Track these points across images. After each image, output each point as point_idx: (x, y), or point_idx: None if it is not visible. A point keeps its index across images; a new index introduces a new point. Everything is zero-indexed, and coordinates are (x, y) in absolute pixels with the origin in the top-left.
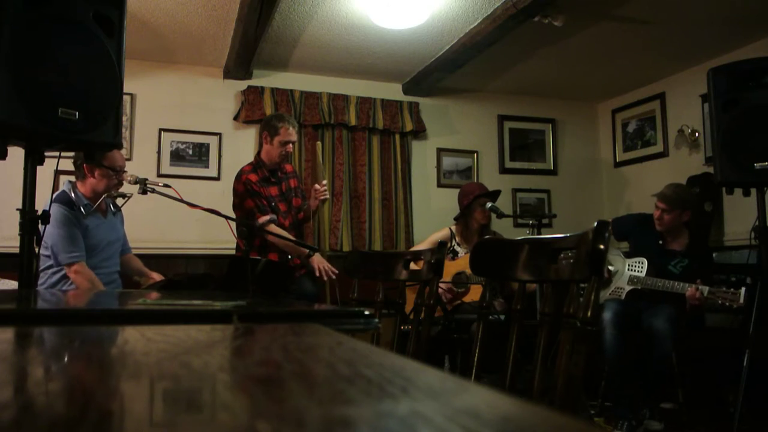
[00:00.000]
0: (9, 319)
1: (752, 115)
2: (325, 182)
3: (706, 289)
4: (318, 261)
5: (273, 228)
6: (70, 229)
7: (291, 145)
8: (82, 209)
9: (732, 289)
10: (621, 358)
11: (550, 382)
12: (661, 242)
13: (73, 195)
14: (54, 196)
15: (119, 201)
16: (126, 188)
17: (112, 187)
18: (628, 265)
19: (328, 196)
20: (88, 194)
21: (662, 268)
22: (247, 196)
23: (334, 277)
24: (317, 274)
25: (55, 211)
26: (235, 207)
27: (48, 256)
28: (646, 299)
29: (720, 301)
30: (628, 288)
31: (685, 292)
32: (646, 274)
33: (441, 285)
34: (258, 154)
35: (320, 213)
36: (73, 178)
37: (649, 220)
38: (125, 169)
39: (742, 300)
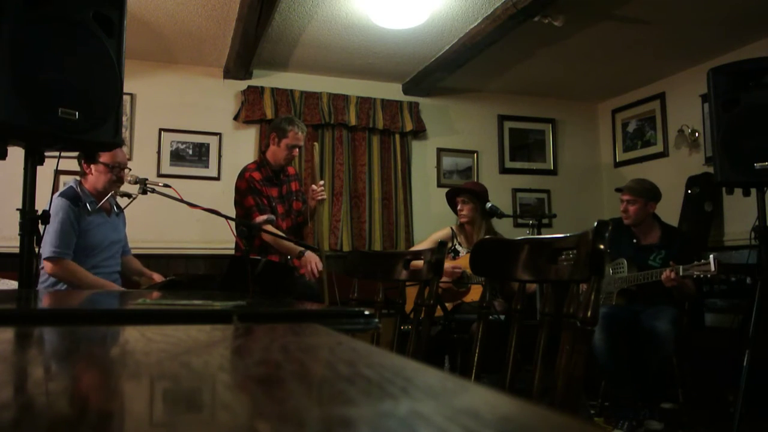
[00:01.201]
0: (9, 319)
1: (752, 115)
2: (322, 183)
3: (680, 268)
4: (307, 260)
5: (269, 228)
6: (63, 224)
7: (298, 149)
8: (87, 206)
9: (703, 260)
10: (612, 361)
11: (550, 382)
12: (635, 240)
13: (80, 191)
14: (60, 190)
15: (123, 201)
16: (128, 188)
17: (113, 184)
18: (610, 270)
19: (325, 197)
20: (92, 192)
21: (642, 264)
22: (249, 193)
23: (315, 278)
24: (306, 275)
25: (57, 203)
26: (236, 204)
27: None
28: (639, 301)
29: (695, 275)
30: (615, 291)
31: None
32: (628, 273)
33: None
34: (263, 153)
35: (319, 213)
36: (79, 177)
37: (619, 223)
38: (128, 167)
39: (713, 267)
